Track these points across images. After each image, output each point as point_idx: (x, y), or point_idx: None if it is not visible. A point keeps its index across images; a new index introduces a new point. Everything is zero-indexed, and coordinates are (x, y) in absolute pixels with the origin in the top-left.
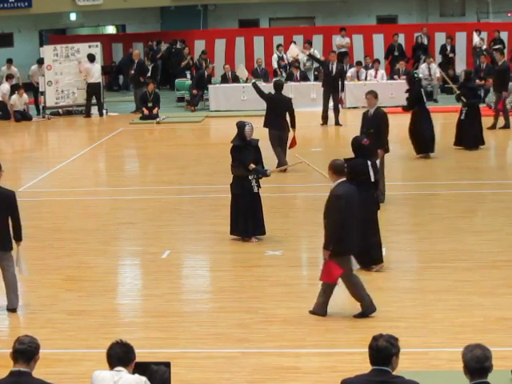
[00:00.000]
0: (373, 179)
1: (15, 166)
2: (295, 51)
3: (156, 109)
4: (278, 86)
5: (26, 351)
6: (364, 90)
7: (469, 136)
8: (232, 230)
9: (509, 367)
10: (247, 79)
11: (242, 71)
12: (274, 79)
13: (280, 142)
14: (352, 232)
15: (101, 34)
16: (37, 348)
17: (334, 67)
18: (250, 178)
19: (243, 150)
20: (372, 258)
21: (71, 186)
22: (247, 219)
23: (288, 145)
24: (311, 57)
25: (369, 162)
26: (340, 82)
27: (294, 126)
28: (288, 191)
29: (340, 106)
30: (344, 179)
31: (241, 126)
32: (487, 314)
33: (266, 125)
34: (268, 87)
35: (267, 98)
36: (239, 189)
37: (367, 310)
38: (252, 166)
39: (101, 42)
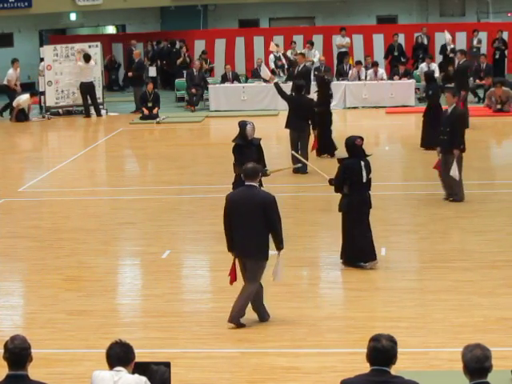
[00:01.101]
0: (365, 180)
1: (15, 166)
2: (273, 48)
3: (156, 109)
4: (299, 87)
5: (18, 360)
6: (364, 90)
7: (426, 136)
8: None
9: (509, 367)
10: (270, 79)
11: (264, 71)
12: (296, 80)
13: (298, 143)
14: (238, 236)
15: (101, 34)
16: (28, 351)
17: (299, 69)
18: None
19: (244, 150)
20: (363, 258)
21: (71, 185)
22: None
23: (310, 147)
24: (285, 56)
25: (362, 163)
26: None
27: (314, 128)
28: (288, 191)
29: None
30: (250, 184)
31: (242, 125)
32: (487, 314)
33: (287, 125)
34: (269, 87)
35: (288, 99)
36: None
37: (232, 319)
38: None
39: (101, 42)
